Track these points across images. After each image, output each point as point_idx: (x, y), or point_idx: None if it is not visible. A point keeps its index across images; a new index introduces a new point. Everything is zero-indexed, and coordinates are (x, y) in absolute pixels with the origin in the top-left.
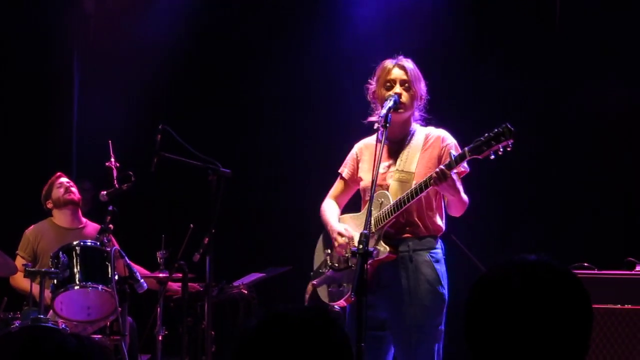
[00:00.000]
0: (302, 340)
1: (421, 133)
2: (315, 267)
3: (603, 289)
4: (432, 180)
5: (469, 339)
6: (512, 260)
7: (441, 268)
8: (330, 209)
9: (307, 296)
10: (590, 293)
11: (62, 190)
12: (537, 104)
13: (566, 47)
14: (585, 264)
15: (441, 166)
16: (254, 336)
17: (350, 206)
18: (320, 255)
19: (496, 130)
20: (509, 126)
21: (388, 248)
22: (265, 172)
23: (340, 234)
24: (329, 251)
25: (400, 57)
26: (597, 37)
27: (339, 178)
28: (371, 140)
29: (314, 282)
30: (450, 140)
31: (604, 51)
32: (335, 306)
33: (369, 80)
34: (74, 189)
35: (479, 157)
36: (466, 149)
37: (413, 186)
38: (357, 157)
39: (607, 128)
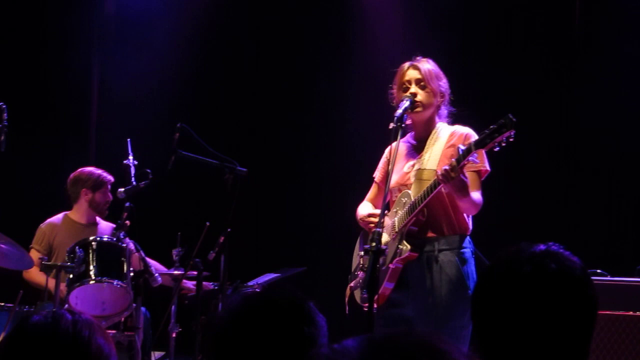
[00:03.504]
0: (268, 320)
1: (446, 131)
2: (352, 269)
3: (616, 295)
4: (439, 179)
5: (475, 324)
6: (522, 248)
7: (467, 268)
8: (365, 206)
9: (346, 299)
10: (603, 299)
11: (106, 199)
12: (556, 107)
13: (585, 51)
14: (598, 270)
15: (445, 166)
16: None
17: None
18: (356, 257)
19: (499, 122)
20: (510, 117)
21: (408, 246)
22: (281, 171)
23: (370, 215)
24: (362, 254)
25: (418, 58)
26: (617, 46)
27: (374, 182)
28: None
29: (351, 284)
30: (474, 138)
31: (623, 60)
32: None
33: (390, 86)
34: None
35: (484, 149)
36: (471, 142)
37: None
38: (387, 159)
39: (627, 135)
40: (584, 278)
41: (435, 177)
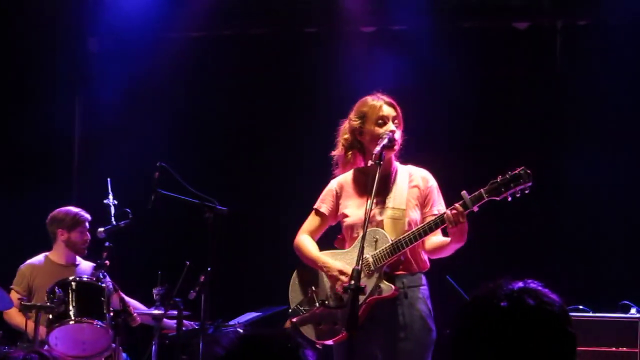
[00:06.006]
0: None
1: (404, 171)
2: (293, 304)
3: (598, 331)
4: (448, 221)
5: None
6: (500, 285)
7: (430, 303)
8: (312, 244)
9: None
10: (586, 335)
11: (83, 238)
12: (537, 146)
13: (566, 90)
14: (581, 307)
15: (453, 210)
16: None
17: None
18: (299, 291)
19: (513, 172)
20: (526, 170)
21: (392, 286)
22: (261, 210)
23: (341, 272)
24: (314, 288)
25: (380, 94)
26: (597, 81)
27: (314, 213)
28: (349, 176)
29: (294, 319)
30: (433, 181)
31: (604, 95)
32: (321, 344)
33: (350, 117)
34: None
35: (497, 198)
36: (482, 190)
37: (407, 225)
38: (337, 193)
39: (608, 169)
40: (562, 314)
41: (436, 218)
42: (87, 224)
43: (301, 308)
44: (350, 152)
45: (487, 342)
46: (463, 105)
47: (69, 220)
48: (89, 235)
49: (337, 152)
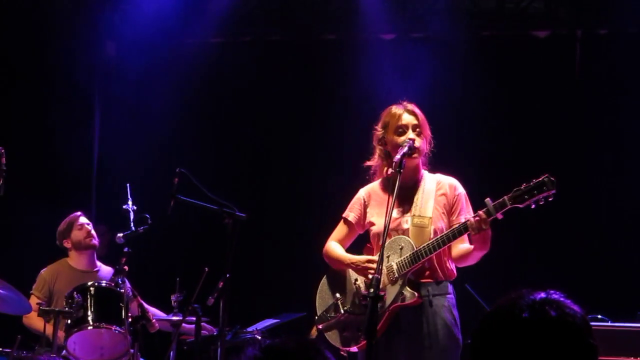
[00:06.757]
0: None
1: (431, 179)
2: (320, 310)
3: (617, 341)
4: (471, 228)
5: None
6: (522, 295)
7: (456, 312)
8: (339, 247)
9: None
10: (604, 345)
11: (83, 233)
12: (556, 154)
13: (586, 99)
14: (599, 316)
15: (480, 212)
16: None
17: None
18: (326, 298)
19: (537, 180)
20: (550, 177)
21: (416, 293)
22: (281, 216)
23: (369, 261)
24: (340, 295)
25: (405, 103)
26: (617, 89)
27: (342, 222)
28: (377, 185)
29: (320, 326)
30: (461, 189)
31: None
32: (346, 351)
33: (375, 127)
34: (93, 233)
35: (520, 206)
36: (506, 198)
37: (433, 233)
38: (365, 202)
39: (628, 177)
40: (584, 326)
41: (459, 225)
42: (80, 219)
43: (327, 315)
44: (386, 162)
45: (507, 353)
46: (482, 113)
47: (64, 226)
48: (87, 227)
49: (374, 162)
